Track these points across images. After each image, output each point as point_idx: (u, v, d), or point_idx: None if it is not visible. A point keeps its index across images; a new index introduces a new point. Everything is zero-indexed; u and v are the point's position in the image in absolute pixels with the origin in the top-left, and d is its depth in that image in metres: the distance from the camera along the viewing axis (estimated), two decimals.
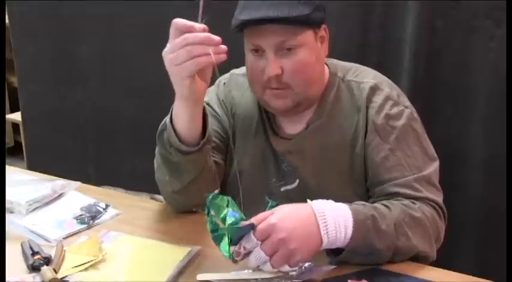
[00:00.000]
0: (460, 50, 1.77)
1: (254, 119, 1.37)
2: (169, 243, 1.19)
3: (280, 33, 1.21)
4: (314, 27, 1.25)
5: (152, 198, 2.45)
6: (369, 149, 1.27)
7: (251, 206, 1.29)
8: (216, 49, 1.07)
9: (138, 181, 2.47)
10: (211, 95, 1.41)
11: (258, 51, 1.24)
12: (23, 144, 2.79)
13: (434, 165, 1.28)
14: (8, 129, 3.45)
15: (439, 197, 1.25)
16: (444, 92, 1.80)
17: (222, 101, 1.41)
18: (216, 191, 1.08)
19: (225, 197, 1.07)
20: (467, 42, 1.75)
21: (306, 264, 1.08)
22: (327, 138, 1.30)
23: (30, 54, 2.52)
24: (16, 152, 3.34)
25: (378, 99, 1.29)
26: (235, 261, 1.05)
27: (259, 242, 1.03)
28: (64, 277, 1.08)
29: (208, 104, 1.37)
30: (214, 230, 1.05)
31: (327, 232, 1.06)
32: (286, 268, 1.06)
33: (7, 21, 2.62)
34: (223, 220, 1.05)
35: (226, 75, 1.44)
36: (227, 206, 1.06)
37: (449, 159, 1.56)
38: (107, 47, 2.34)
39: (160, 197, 2.46)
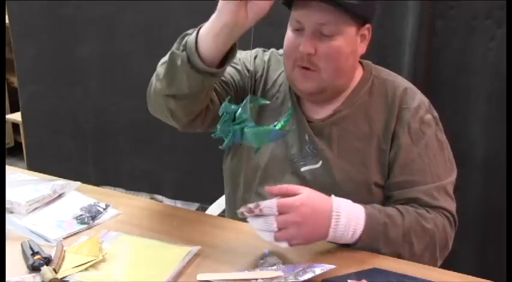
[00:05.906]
0: (460, 50, 1.77)
1: (284, 98, 1.38)
2: (169, 243, 1.19)
3: (325, 15, 1.22)
4: (358, 21, 1.26)
5: (152, 198, 2.46)
6: (399, 149, 1.28)
7: (269, 181, 1.33)
8: None
9: (138, 181, 2.48)
10: (245, 54, 1.42)
11: (298, 30, 1.26)
12: (23, 144, 2.79)
13: (453, 176, 1.32)
14: (8, 129, 3.45)
15: (452, 207, 1.29)
16: (444, 92, 1.80)
17: (256, 64, 1.41)
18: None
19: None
20: (467, 42, 1.75)
21: (306, 265, 1.08)
22: (355, 128, 1.32)
23: (30, 54, 2.52)
24: (16, 152, 3.34)
25: (412, 102, 1.31)
26: (242, 215, 1.12)
27: (277, 213, 1.09)
28: (64, 277, 1.08)
29: (239, 58, 1.39)
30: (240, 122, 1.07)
31: (335, 230, 1.14)
32: (283, 244, 1.11)
33: (7, 21, 2.62)
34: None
35: (268, 50, 1.45)
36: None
37: None
38: (106, 47, 2.35)
39: (160, 197, 2.49)
